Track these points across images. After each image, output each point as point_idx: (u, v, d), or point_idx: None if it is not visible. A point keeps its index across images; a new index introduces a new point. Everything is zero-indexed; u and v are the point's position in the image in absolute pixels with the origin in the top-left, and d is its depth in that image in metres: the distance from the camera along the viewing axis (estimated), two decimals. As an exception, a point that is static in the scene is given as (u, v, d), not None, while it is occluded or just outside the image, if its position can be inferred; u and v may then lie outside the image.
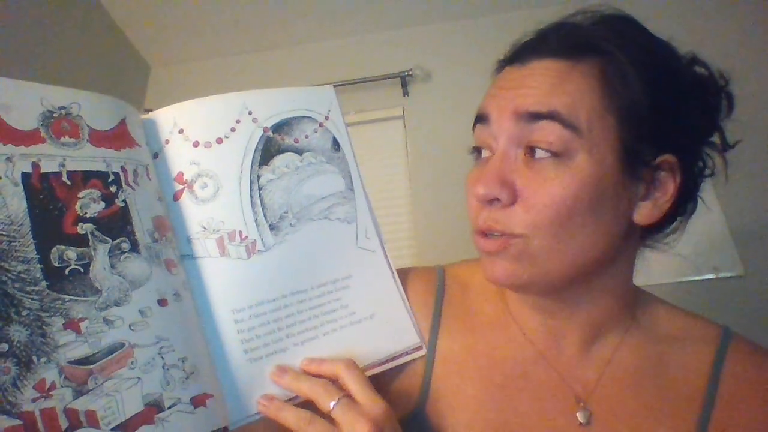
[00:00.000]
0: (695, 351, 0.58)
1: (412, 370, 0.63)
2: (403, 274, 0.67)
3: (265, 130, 0.58)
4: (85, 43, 1.83)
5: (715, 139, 0.60)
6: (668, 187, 0.54)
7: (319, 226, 0.59)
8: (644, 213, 0.55)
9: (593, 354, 0.60)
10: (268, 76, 2.17)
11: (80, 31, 1.81)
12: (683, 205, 0.59)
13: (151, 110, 0.57)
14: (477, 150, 0.59)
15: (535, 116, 0.51)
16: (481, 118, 0.57)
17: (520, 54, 0.57)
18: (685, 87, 0.56)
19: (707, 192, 1.62)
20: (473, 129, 0.59)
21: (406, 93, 2.04)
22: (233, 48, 2.17)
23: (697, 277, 1.54)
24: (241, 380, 0.51)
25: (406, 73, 1.99)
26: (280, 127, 0.59)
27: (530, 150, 0.52)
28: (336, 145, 0.63)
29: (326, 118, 0.63)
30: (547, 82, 0.52)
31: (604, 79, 0.52)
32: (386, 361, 0.59)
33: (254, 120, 0.58)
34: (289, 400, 0.52)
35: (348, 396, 0.50)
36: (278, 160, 0.58)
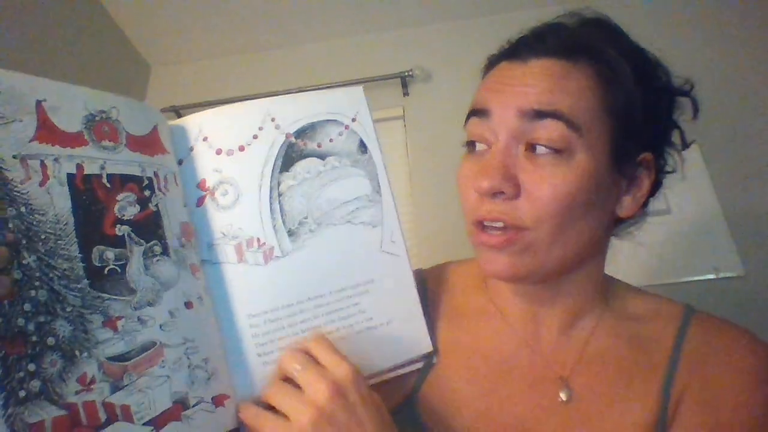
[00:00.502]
0: (662, 326, 0.62)
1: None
2: None
3: (288, 136, 0.59)
4: (85, 43, 1.81)
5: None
6: (644, 183, 0.61)
7: (340, 230, 0.60)
8: (625, 206, 0.61)
9: (572, 337, 0.65)
10: (269, 76, 2.15)
11: (80, 31, 1.79)
12: (650, 197, 0.65)
13: None
14: (472, 143, 0.61)
15: (540, 114, 0.54)
16: (479, 112, 0.59)
17: (518, 51, 0.60)
18: (658, 87, 0.63)
19: (707, 191, 1.63)
20: (466, 122, 0.62)
21: (406, 93, 2.04)
22: (233, 48, 2.16)
23: (697, 278, 1.54)
24: (254, 383, 0.54)
25: (406, 74, 1.98)
26: (303, 132, 0.60)
27: (531, 146, 0.56)
28: (363, 147, 0.63)
29: (353, 120, 0.63)
30: (549, 81, 0.56)
31: (600, 80, 0.57)
32: (397, 368, 0.61)
33: (277, 126, 0.59)
34: None
35: (313, 360, 0.52)
36: (299, 166, 0.60)
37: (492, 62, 0.65)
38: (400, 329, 0.61)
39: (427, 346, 0.63)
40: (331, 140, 0.62)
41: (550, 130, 0.54)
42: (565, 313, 0.65)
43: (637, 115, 0.58)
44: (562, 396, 0.60)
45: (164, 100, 2.05)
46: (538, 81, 0.56)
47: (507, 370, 0.64)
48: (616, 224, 0.65)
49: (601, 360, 0.62)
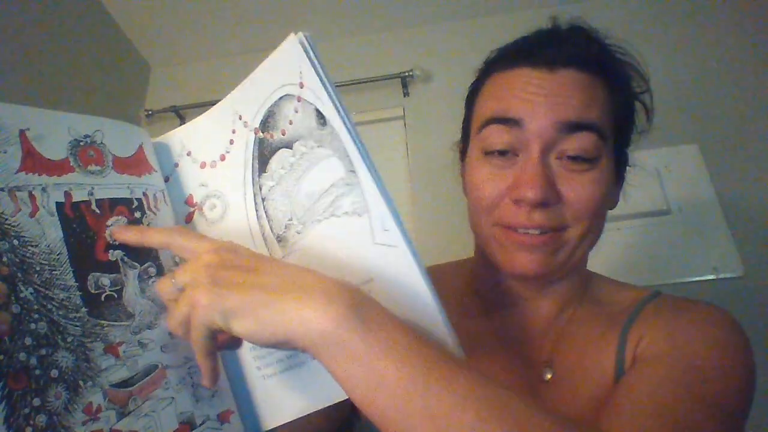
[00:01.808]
0: (628, 303, 0.67)
1: None
2: None
3: (256, 131, 0.54)
4: (85, 43, 1.78)
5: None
6: (623, 177, 0.68)
7: (325, 226, 0.51)
8: (615, 200, 0.68)
9: (555, 324, 0.68)
10: None
11: (80, 31, 1.76)
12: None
13: (151, 111, 0.58)
14: (500, 152, 0.62)
15: (578, 126, 0.59)
16: (508, 121, 0.61)
17: (542, 58, 0.62)
18: (634, 92, 0.68)
19: (707, 192, 1.64)
20: (485, 126, 0.63)
21: (406, 93, 2.02)
22: (234, 48, 2.13)
23: (697, 278, 1.54)
24: (254, 397, 0.54)
25: (406, 74, 1.97)
26: (266, 122, 0.54)
27: (564, 154, 0.60)
28: (321, 118, 0.50)
29: (301, 86, 0.51)
30: (582, 94, 0.60)
31: (611, 91, 0.63)
32: None
33: (245, 124, 0.55)
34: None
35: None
36: (274, 163, 0.54)
37: (505, 64, 0.66)
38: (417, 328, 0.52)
39: (451, 341, 0.48)
40: (290, 122, 0.52)
41: (584, 141, 0.59)
42: (552, 304, 0.68)
43: (628, 121, 0.65)
44: (547, 375, 0.64)
45: (164, 101, 2.03)
46: (573, 94, 0.60)
47: (492, 362, 0.67)
48: None
49: (577, 341, 0.65)
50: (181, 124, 0.57)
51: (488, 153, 0.63)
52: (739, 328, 0.58)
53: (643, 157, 1.67)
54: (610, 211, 0.67)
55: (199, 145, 0.57)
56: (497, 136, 0.62)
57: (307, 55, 0.49)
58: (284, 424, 0.54)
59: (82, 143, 0.48)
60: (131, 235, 0.48)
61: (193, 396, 0.48)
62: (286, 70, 0.51)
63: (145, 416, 0.44)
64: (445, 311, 0.49)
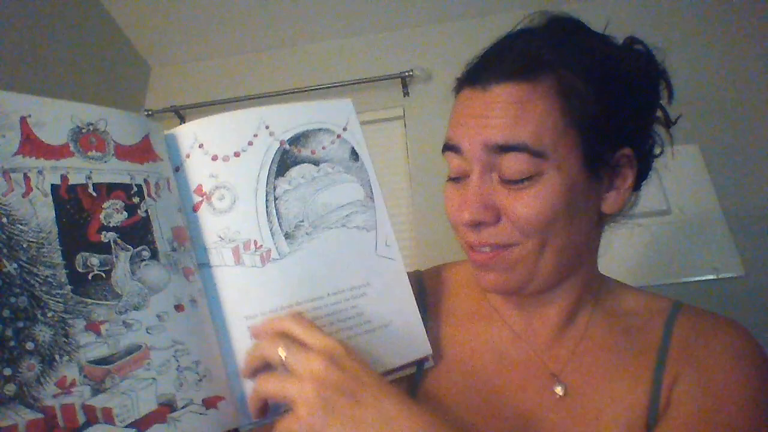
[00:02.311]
0: (651, 317, 0.64)
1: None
2: None
3: (282, 143, 0.60)
4: (85, 43, 1.85)
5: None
6: (627, 175, 0.61)
7: (336, 233, 0.61)
8: (610, 203, 0.61)
9: (566, 334, 0.65)
10: (269, 76, 2.19)
11: (80, 31, 1.84)
12: (640, 183, 0.66)
13: (151, 111, 0.61)
14: (453, 178, 0.63)
15: (504, 148, 0.56)
16: (451, 147, 0.61)
17: (478, 77, 0.60)
18: (630, 78, 0.60)
19: (707, 191, 1.64)
20: (443, 152, 0.63)
21: (406, 93, 2.04)
22: (233, 48, 2.19)
23: (697, 278, 1.55)
24: (251, 385, 0.53)
25: (406, 74, 1.99)
26: (297, 139, 0.61)
27: (502, 174, 0.57)
28: (354, 155, 0.64)
29: (344, 129, 0.64)
30: (511, 111, 0.56)
31: (562, 95, 0.56)
32: (396, 370, 0.60)
33: (271, 134, 0.60)
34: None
35: (297, 343, 0.50)
36: (294, 171, 0.60)
37: (457, 88, 0.65)
38: (398, 332, 0.61)
39: (425, 348, 0.63)
40: (323, 147, 0.63)
41: (515, 162, 0.56)
42: (559, 313, 0.65)
43: (603, 119, 0.58)
44: (558, 391, 0.61)
45: (164, 101, 2.10)
46: (501, 112, 0.56)
47: (504, 366, 0.65)
48: (605, 220, 0.66)
49: (594, 354, 0.63)
50: (181, 124, 0.59)
51: (449, 179, 0.64)
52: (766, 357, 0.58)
53: None
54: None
55: (213, 139, 0.59)
56: (451, 162, 0.62)
57: (356, 114, 0.66)
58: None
59: (84, 130, 0.50)
60: (256, 331, 0.54)
61: (177, 379, 0.48)
62: (334, 115, 0.64)
63: (122, 394, 0.45)
64: (421, 316, 0.63)
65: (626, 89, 0.60)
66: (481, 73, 0.60)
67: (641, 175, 0.65)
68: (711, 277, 1.54)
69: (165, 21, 2.03)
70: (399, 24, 2.12)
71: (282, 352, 0.49)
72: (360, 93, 1.98)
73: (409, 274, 0.69)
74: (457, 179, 0.62)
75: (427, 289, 0.74)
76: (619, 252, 1.50)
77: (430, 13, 2.07)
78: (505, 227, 0.58)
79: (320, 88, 2.00)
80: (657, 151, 0.67)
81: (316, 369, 0.47)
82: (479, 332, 0.68)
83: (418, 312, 0.63)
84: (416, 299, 0.64)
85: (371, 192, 0.65)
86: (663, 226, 1.59)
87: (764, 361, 0.57)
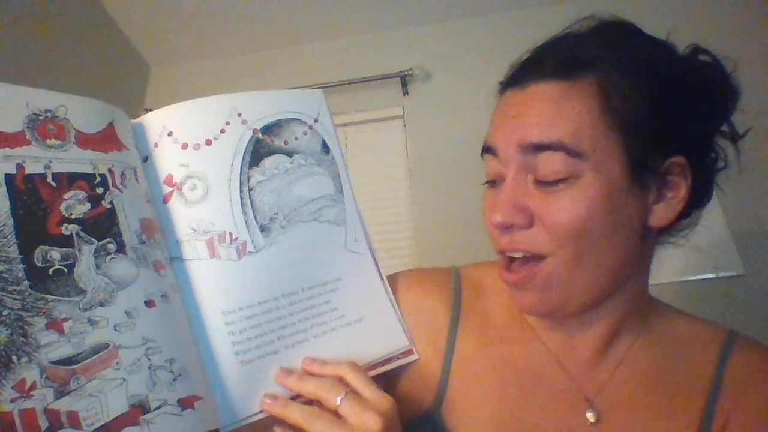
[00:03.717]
0: (702, 349, 0.59)
1: (429, 370, 0.63)
2: (418, 275, 0.69)
3: (255, 131, 0.58)
4: (85, 43, 1.83)
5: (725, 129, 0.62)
6: (680, 188, 0.55)
7: (308, 227, 0.59)
8: (659, 216, 0.56)
9: (606, 356, 0.61)
10: (268, 75, 2.17)
11: (80, 31, 1.82)
12: (698, 199, 0.59)
13: (151, 110, 0.57)
14: (490, 182, 0.60)
15: (539, 147, 0.52)
16: (488, 149, 0.58)
17: (519, 77, 0.57)
18: (688, 85, 0.56)
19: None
20: (482, 156, 0.61)
21: (406, 92, 2.04)
22: (233, 48, 2.18)
23: (697, 277, 1.54)
24: (232, 382, 0.51)
25: (406, 73, 1.98)
26: (270, 128, 0.59)
27: (537, 175, 0.54)
28: (325, 148, 0.63)
29: (315, 120, 0.63)
30: (548, 109, 0.53)
31: (603, 95, 0.53)
32: (377, 365, 0.58)
33: (243, 122, 0.57)
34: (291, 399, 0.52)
35: (354, 392, 0.50)
36: (268, 162, 0.58)
37: (500, 91, 0.62)
38: (373, 326, 0.60)
39: (402, 342, 0.62)
40: (296, 138, 0.61)
41: (552, 162, 0.52)
42: (600, 336, 0.61)
43: (650, 122, 0.53)
44: (590, 417, 0.57)
45: (163, 101, 2.06)
46: (538, 110, 0.54)
47: (537, 386, 0.61)
48: (661, 233, 0.60)
49: (634, 382, 0.59)
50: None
51: (487, 182, 0.61)
52: None
53: None
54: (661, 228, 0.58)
55: (183, 127, 0.56)
56: (488, 165, 0.60)
57: (326, 106, 0.65)
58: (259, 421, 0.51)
59: (41, 117, 0.47)
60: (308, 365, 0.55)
61: (150, 379, 0.45)
62: (306, 106, 0.63)
63: (89, 396, 0.41)
64: (398, 310, 0.63)
65: (682, 95, 0.55)
66: (520, 74, 0.58)
67: (701, 191, 0.59)
68: (711, 275, 1.53)
69: (165, 21, 2.02)
70: (398, 23, 2.12)
71: (341, 395, 0.49)
72: (359, 92, 1.98)
73: (445, 271, 0.67)
74: (493, 183, 0.60)
75: (463, 290, 0.69)
76: None
77: (430, 13, 2.07)
78: (538, 233, 0.54)
79: (320, 88, 1.95)
80: (720, 165, 0.62)
81: (371, 426, 0.48)
82: (513, 349, 0.64)
83: (395, 306, 0.63)
84: (451, 301, 0.63)
85: (340, 186, 0.63)
86: None
87: None
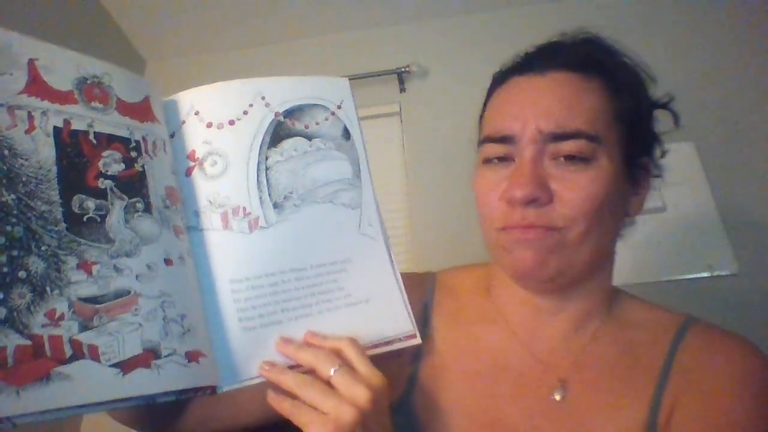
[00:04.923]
0: (659, 334, 0.63)
1: (399, 362, 0.67)
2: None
3: (277, 114, 0.61)
4: (80, 37, 1.82)
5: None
6: (646, 183, 0.64)
7: (322, 208, 0.62)
8: (633, 207, 0.64)
9: (572, 342, 0.65)
10: (264, 71, 2.10)
11: (76, 25, 1.82)
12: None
13: None
14: (498, 158, 0.62)
15: (563, 136, 0.58)
16: (504, 139, 0.61)
17: (533, 64, 0.63)
18: (647, 93, 0.65)
19: (703, 189, 1.64)
20: (482, 144, 0.64)
21: (402, 89, 2.01)
22: (229, 43, 2.17)
23: (691, 275, 1.53)
24: (233, 347, 0.54)
25: (402, 70, 1.96)
26: (292, 112, 0.62)
27: (559, 155, 0.58)
28: (347, 134, 0.66)
29: (339, 107, 0.66)
30: (568, 97, 0.59)
31: (609, 91, 0.61)
32: (378, 345, 0.60)
33: (267, 105, 0.61)
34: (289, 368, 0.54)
35: (348, 365, 0.52)
36: (287, 144, 0.61)
37: (504, 77, 0.66)
38: (379, 308, 0.62)
39: (407, 327, 0.63)
40: (317, 123, 0.64)
41: (573, 146, 0.58)
42: (568, 321, 0.65)
43: (637, 123, 0.62)
44: (556, 396, 0.61)
45: (159, 95, 2.05)
46: (559, 96, 0.59)
47: (504, 372, 0.65)
48: (624, 226, 0.67)
49: (597, 365, 0.63)
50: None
51: (487, 160, 0.64)
52: None
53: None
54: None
55: (209, 107, 0.60)
56: (494, 150, 0.63)
57: (351, 93, 0.68)
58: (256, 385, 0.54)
59: (89, 81, 0.51)
60: (309, 337, 0.56)
61: (163, 329, 0.48)
62: (330, 93, 0.66)
63: (109, 335, 0.44)
64: (407, 297, 0.63)
65: (649, 104, 0.65)
66: (537, 61, 0.63)
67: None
68: (705, 274, 1.53)
69: (161, 15, 2.01)
70: (395, 19, 2.11)
71: (335, 367, 0.51)
72: (356, 89, 1.90)
73: (423, 274, 0.70)
74: (492, 161, 0.63)
75: (437, 290, 0.74)
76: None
77: (427, 9, 2.06)
78: (554, 210, 0.57)
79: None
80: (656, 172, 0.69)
81: (360, 399, 0.49)
82: (483, 337, 0.68)
83: (403, 292, 0.64)
84: (424, 301, 0.65)
85: (359, 171, 0.66)
86: (658, 223, 1.59)
87: None
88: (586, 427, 0.58)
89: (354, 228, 0.63)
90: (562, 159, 0.58)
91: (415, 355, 0.68)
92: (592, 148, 0.58)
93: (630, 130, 0.61)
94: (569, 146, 0.58)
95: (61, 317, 0.42)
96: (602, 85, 0.61)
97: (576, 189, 0.57)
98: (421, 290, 0.73)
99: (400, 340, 0.62)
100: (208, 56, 2.24)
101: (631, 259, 1.51)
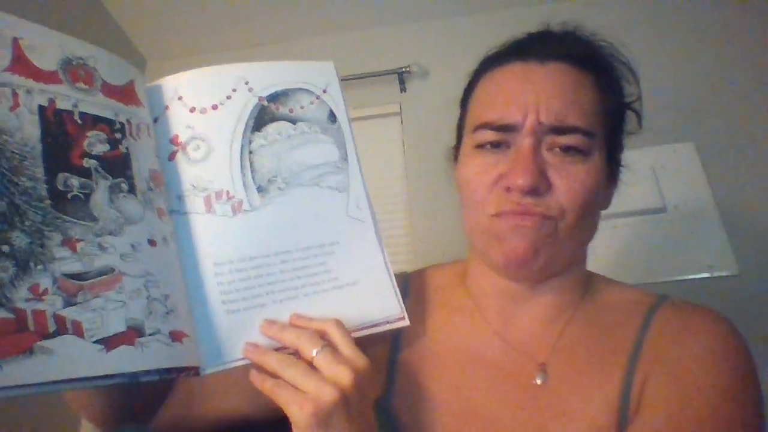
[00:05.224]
0: (630, 312, 0.64)
1: (378, 360, 0.67)
2: None
3: (260, 99, 0.61)
4: (81, 36, 1.83)
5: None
6: (616, 178, 0.66)
7: (308, 192, 0.61)
8: (608, 200, 0.66)
9: (549, 328, 0.65)
10: None
11: (76, 24, 1.80)
12: None
13: None
14: (492, 144, 0.62)
15: (564, 130, 0.59)
16: (503, 127, 0.61)
17: (534, 51, 0.64)
18: (624, 95, 0.68)
19: (703, 190, 1.63)
20: (476, 130, 0.64)
21: (403, 89, 2.01)
22: (229, 43, 2.17)
23: (691, 276, 1.53)
24: (217, 329, 0.54)
25: (403, 70, 1.96)
26: (276, 97, 0.62)
27: (557, 146, 0.60)
28: (332, 117, 0.65)
29: (324, 91, 0.66)
30: (567, 91, 0.60)
31: (600, 87, 0.63)
32: (365, 328, 0.60)
33: (250, 89, 0.61)
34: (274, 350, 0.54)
35: (332, 346, 0.52)
36: (271, 128, 0.61)
37: (497, 62, 0.67)
38: (367, 291, 0.61)
39: (395, 309, 0.62)
40: (302, 107, 0.64)
41: (570, 140, 0.59)
42: (545, 308, 0.66)
43: (622, 118, 0.65)
44: (538, 380, 0.61)
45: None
46: (559, 90, 0.60)
47: (482, 363, 0.65)
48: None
49: (574, 348, 0.63)
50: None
51: (480, 146, 0.64)
52: (746, 353, 0.57)
53: (638, 156, 1.56)
54: (604, 211, 0.67)
55: (192, 92, 0.60)
56: (490, 136, 0.63)
57: (337, 76, 0.67)
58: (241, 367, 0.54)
59: (74, 62, 0.51)
60: (294, 319, 0.56)
61: (147, 307, 0.48)
62: (315, 77, 0.66)
63: (93, 311, 0.44)
64: (395, 280, 0.63)
65: (623, 102, 0.68)
66: (536, 49, 0.64)
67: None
68: (706, 275, 1.53)
69: (162, 15, 2.00)
70: (396, 20, 2.10)
71: (317, 348, 0.51)
72: (356, 89, 1.90)
73: (396, 275, 0.71)
74: (485, 146, 0.63)
75: (410, 288, 0.75)
76: (614, 249, 1.53)
77: (428, 10, 2.05)
78: (551, 199, 0.58)
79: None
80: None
81: (342, 380, 0.49)
82: (459, 330, 0.68)
83: (391, 275, 0.63)
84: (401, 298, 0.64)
85: (346, 155, 0.65)
86: (658, 224, 1.59)
87: (742, 357, 0.57)
88: (567, 409, 0.58)
89: (341, 211, 0.63)
90: (558, 149, 0.59)
91: (392, 357, 0.68)
92: (588, 143, 0.59)
93: (614, 125, 0.64)
94: (567, 140, 0.59)
95: (45, 292, 0.42)
96: (595, 81, 0.63)
97: (573, 180, 0.58)
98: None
99: (388, 322, 0.61)
100: (209, 56, 2.20)
101: (632, 259, 1.53)
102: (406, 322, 0.62)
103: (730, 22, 1.85)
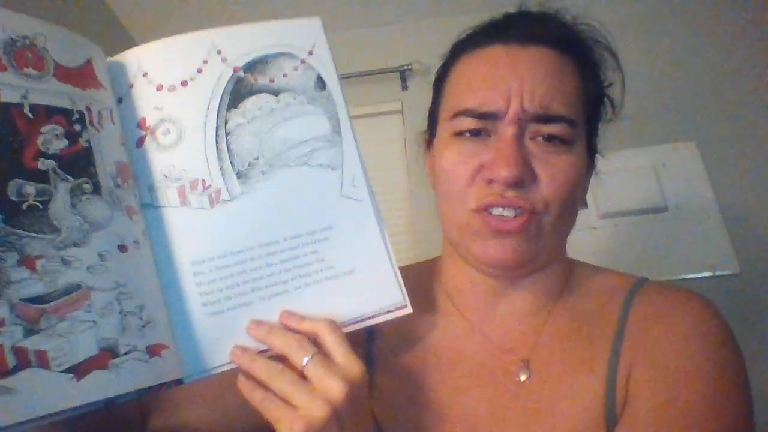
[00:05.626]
0: (610, 299, 0.62)
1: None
2: None
3: (236, 69, 0.54)
4: (68, 17, 1.71)
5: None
6: (592, 167, 0.65)
7: (295, 173, 0.55)
8: (586, 188, 0.64)
9: (530, 322, 0.63)
10: None
11: (64, 4, 1.71)
12: None
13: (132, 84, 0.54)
14: (471, 132, 0.59)
15: (547, 119, 0.56)
16: (484, 115, 0.58)
17: (515, 34, 0.59)
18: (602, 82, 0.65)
19: (704, 189, 1.64)
20: (454, 117, 0.60)
21: (405, 87, 2.01)
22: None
23: (693, 275, 1.54)
24: (198, 334, 0.50)
25: (405, 68, 1.96)
26: (254, 65, 0.55)
27: (540, 135, 0.57)
28: (321, 83, 0.57)
29: (310, 53, 0.57)
30: (550, 78, 0.57)
31: (580, 75, 0.59)
32: (363, 320, 0.55)
33: (223, 59, 0.54)
34: (261, 353, 0.50)
35: (323, 353, 0.48)
36: (250, 103, 0.55)
37: (475, 43, 0.63)
38: (365, 279, 0.55)
39: (396, 297, 0.56)
40: (285, 75, 0.56)
41: (554, 129, 0.57)
42: (525, 302, 0.64)
43: (600, 105, 0.63)
44: (522, 377, 0.59)
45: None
46: (541, 76, 0.57)
47: (462, 361, 0.63)
48: None
49: (557, 340, 0.61)
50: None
51: (458, 134, 0.60)
52: (729, 334, 0.56)
53: (640, 155, 1.61)
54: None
55: (159, 67, 0.54)
56: (470, 124, 0.59)
57: (325, 35, 0.58)
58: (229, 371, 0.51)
59: (19, 43, 0.45)
60: (284, 318, 0.52)
61: (120, 323, 0.44)
62: (298, 38, 0.57)
63: (59, 337, 0.40)
64: (396, 264, 0.57)
65: (602, 87, 0.65)
66: (516, 31, 0.60)
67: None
68: (707, 274, 1.54)
69: (156, 3, 1.91)
70: (398, 18, 2.08)
71: (307, 357, 0.47)
72: (358, 87, 1.93)
73: None
74: (464, 134, 0.59)
75: None
76: (615, 249, 1.51)
77: (430, 8, 2.03)
78: (535, 191, 0.56)
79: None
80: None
81: (335, 393, 0.46)
82: (435, 327, 0.66)
83: (392, 258, 0.57)
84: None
85: (338, 125, 0.57)
86: (659, 223, 1.58)
87: (724, 337, 0.55)
88: (552, 406, 0.56)
89: (335, 191, 0.56)
90: (541, 139, 0.57)
91: (366, 354, 0.66)
92: (571, 132, 0.57)
93: (592, 113, 0.62)
94: (551, 129, 0.56)
95: (1, 323, 0.38)
96: (576, 67, 0.60)
97: (558, 172, 0.56)
98: None
99: (388, 311, 0.56)
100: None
101: (633, 258, 1.53)
102: (409, 310, 0.56)
103: (731, 20, 1.84)
